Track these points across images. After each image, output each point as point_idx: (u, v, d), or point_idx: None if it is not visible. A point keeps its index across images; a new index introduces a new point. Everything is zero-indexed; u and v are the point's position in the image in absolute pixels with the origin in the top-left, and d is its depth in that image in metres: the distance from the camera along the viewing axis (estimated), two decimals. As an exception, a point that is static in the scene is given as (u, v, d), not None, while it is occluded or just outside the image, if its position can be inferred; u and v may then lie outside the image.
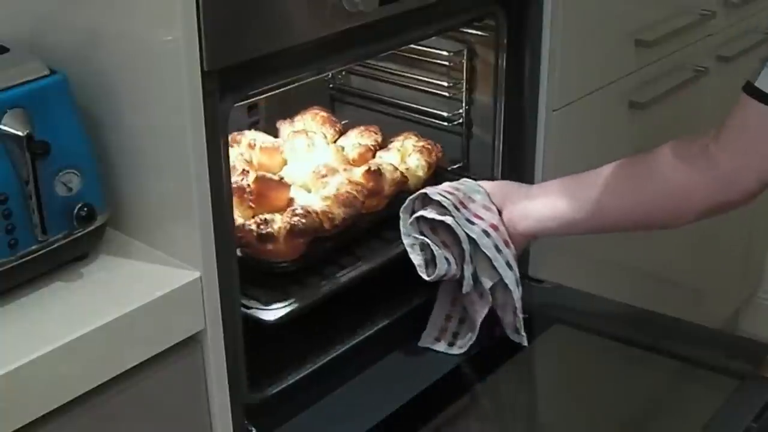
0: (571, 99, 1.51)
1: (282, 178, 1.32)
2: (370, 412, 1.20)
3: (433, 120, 1.56)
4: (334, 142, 1.48)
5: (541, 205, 1.26)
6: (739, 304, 2.52)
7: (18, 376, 0.89)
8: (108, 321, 0.95)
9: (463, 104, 1.52)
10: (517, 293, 1.24)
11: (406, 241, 1.24)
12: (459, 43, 1.49)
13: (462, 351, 1.28)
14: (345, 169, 1.36)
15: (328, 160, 1.38)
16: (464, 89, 1.51)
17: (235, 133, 1.45)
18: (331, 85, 1.69)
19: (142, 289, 1.00)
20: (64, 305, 0.99)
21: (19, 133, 0.94)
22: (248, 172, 1.32)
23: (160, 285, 1.01)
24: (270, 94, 1.23)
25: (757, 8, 1.99)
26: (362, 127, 1.48)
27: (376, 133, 1.47)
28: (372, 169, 1.34)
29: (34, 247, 0.99)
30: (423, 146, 1.45)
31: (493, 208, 1.27)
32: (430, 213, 1.23)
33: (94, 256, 1.06)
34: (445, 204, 1.23)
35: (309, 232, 1.24)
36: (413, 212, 1.25)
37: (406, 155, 1.44)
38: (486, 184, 1.30)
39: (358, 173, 1.35)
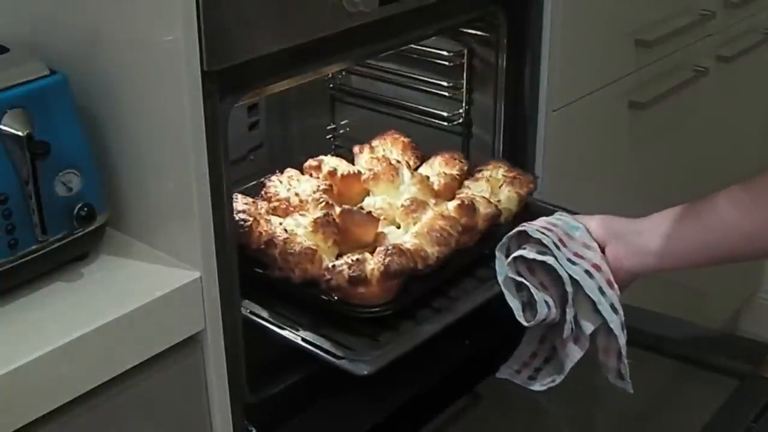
0: (571, 99, 1.52)
1: (370, 212, 1.24)
2: (371, 413, 1.20)
3: (433, 120, 1.55)
4: (416, 169, 1.40)
5: (652, 239, 1.14)
6: (739, 304, 2.52)
7: (18, 376, 0.88)
8: (108, 321, 0.95)
9: (463, 104, 1.52)
10: (622, 338, 1.13)
11: (502, 282, 1.16)
12: (459, 43, 1.49)
13: (542, 389, 1.21)
14: (436, 203, 1.27)
15: (413, 191, 1.30)
16: (464, 89, 1.51)
17: (312, 160, 1.39)
18: (331, 85, 1.68)
19: (142, 289, 1.00)
20: (64, 305, 0.98)
21: (19, 133, 0.94)
22: (333, 205, 1.25)
23: (160, 285, 1.01)
24: (270, 93, 1.23)
25: (757, 8, 1.99)
26: (447, 155, 1.40)
27: (462, 162, 1.39)
28: (465, 203, 1.25)
29: (34, 247, 0.99)
30: (514, 177, 1.36)
31: (594, 245, 1.16)
32: (529, 253, 1.14)
33: (94, 256, 1.06)
34: (545, 242, 1.13)
35: (404, 273, 1.15)
36: (509, 250, 1.17)
37: (496, 186, 1.36)
38: (584, 219, 1.20)
39: (450, 207, 1.26)
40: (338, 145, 1.72)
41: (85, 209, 1.01)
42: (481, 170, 1.39)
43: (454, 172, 1.37)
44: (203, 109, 0.98)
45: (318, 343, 1.11)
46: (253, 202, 1.29)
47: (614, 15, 1.58)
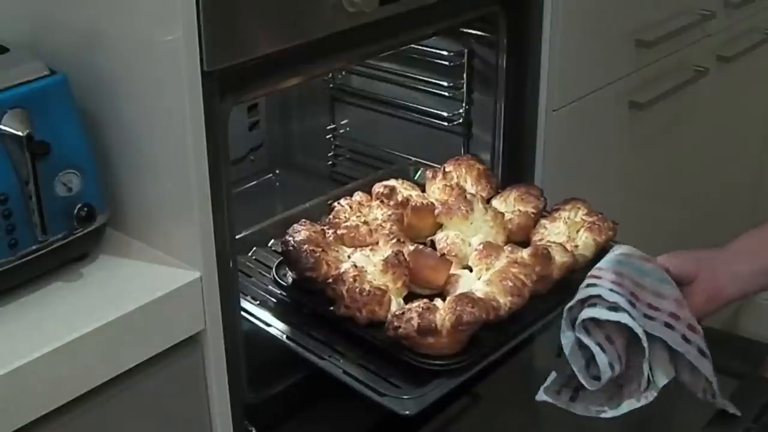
0: (571, 99, 1.52)
1: (443, 255, 1.20)
2: (370, 413, 1.19)
3: (433, 120, 1.55)
4: (488, 200, 1.35)
5: (747, 263, 1.15)
6: (739, 304, 2.52)
7: (18, 376, 0.89)
8: (108, 321, 0.95)
9: (463, 104, 1.52)
10: (715, 383, 1.12)
11: (565, 341, 1.11)
12: (459, 43, 1.49)
13: (586, 414, 1.15)
14: (511, 250, 1.22)
15: (487, 229, 1.26)
16: (464, 89, 1.51)
17: (383, 186, 1.34)
18: (331, 85, 1.69)
19: (142, 289, 1.00)
20: (64, 305, 0.99)
21: (19, 133, 0.94)
22: (404, 242, 1.21)
23: (160, 285, 1.01)
24: (270, 93, 1.22)
25: (757, 8, 1.99)
26: (523, 189, 1.35)
27: (538, 198, 1.34)
28: (540, 251, 1.20)
29: (34, 247, 0.99)
30: (594, 222, 1.30)
31: (666, 290, 1.12)
32: (601, 312, 1.08)
33: (94, 256, 1.06)
34: (621, 303, 1.08)
35: (476, 325, 1.10)
36: (572, 309, 1.11)
37: (573, 230, 1.30)
38: (663, 259, 1.15)
39: (524, 255, 1.21)
40: (338, 145, 1.72)
41: (85, 209, 1.01)
42: (558, 209, 1.34)
43: (530, 209, 1.33)
44: (203, 109, 0.98)
45: (361, 378, 1.09)
46: (322, 230, 1.24)
47: (614, 15, 1.58)
